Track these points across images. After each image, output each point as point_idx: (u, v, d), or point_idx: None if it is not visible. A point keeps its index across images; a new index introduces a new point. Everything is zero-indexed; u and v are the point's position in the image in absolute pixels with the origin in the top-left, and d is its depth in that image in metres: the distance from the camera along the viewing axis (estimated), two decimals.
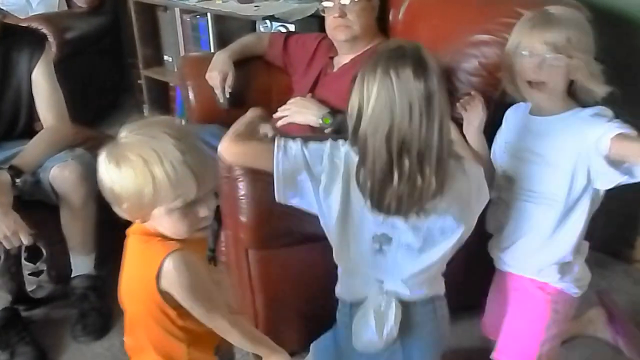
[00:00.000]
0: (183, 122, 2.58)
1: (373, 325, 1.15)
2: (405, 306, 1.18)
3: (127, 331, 1.08)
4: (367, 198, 1.09)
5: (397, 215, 1.10)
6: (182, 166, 0.90)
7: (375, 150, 1.04)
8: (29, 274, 1.65)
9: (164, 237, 0.98)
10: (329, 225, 1.19)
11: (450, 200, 1.11)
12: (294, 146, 1.14)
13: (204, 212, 0.96)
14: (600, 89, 1.22)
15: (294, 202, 1.18)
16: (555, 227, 1.29)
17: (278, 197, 1.17)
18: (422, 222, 1.12)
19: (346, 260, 1.21)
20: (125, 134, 0.93)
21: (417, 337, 1.21)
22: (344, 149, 1.14)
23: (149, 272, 0.95)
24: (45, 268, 1.65)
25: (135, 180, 0.90)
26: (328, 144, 1.15)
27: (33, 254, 1.57)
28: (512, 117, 1.39)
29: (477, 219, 1.21)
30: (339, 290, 1.27)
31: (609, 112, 1.24)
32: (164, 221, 0.95)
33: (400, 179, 1.04)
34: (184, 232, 0.97)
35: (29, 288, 1.67)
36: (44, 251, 1.59)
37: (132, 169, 0.90)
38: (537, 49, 1.20)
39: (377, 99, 1.03)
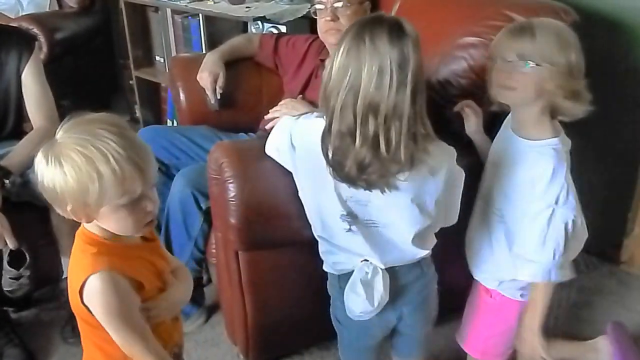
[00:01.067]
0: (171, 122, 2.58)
1: (363, 295, 1.15)
2: (392, 271, 1.18)
3: None
4: (329, 164, 1.08)
5: (359, 184, 1.08)
6: (126, 162, 0.88)
7: (338, 110, 1.03)
8: (10, 278, 1.62)
9: (102, 244, 0.96)
10: (303, 199, 1.23)
11: (417, 181, 1.09)
12: (288, 123, 1.22)
13: (150, 206, 0.94)
14: (577, 109, 1.20)
15: (276, 159, 1.27)
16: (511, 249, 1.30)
17: (267, 150, 1.29)
18: (385, 200, 1.10)
19: (325, 233, 1.22)
20: (63, 134, 0.90)
21: (407, 298, 1.22)
22: (309, 122, 1.15)
23: (76, 283, 0.93)
24: (28, 274, 1.62)
25: (80, 180, 0.87)
26: (300, 118, 1.20)
27: (16, 258, 1.54)
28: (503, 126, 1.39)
29: (447, 211, 1.20)
30: (325, 265, 1.27)
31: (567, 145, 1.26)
32: (111, 219, 0.92)
33: (362, 141, 1.03)
34: (131, 229, 0.95)
35: (6, 288, 1.64)
36: (27, 257, 1.57)
37: (76, 168, 0.87)
38: (505, 55, 1.22)
39: (343, 59, 1.02)
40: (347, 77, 1.02)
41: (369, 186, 1.08)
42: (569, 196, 1.20)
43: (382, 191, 1.09)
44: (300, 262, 1.44)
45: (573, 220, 1.21)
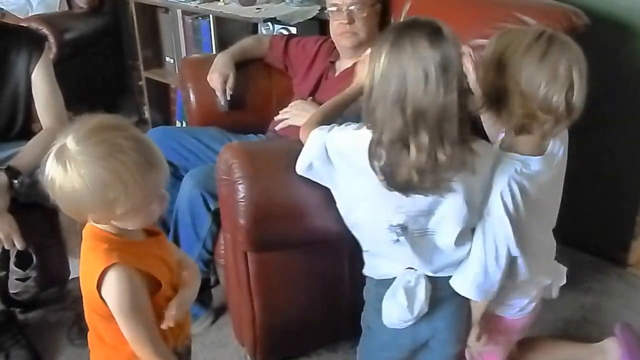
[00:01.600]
0: (183, 124, 2.56)
1: (404, 303, 1.12)
2: (433, 282, 1.16)
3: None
4: (380, 175, 1.03)
5: (416, 191, 1.03)
6: (147, 167, 0.89)
7: (387, 120, 0.99)
8: (16, 279, 1.61)
9: (113, 240, 0.95)
10: (344, 212, 1.19)
11: (467, 181, 1.06)
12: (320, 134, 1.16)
13: (165, 200, 0.97)
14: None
15: (310, 176, 1.21)
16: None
17: (299, 170, 1.22)
18: (436, 205, 1.08)
19: (368, 245, 1.20)
20: (79, 144, 0.88)
21: (443, 312, 1.19)
22: (349, 134, 1.11)
23: (92, 279, 0.93)
24: (34, 276, 1.61)
25: (107, 193, 0.87)
26: (333, 130, 1.15)
27: (23, 260, 1.52)
28: None
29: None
30: (366, 268, 1.24)
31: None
32: (132, 219, 0.94)
33: (418, 150, 0.99)
34: (147, 222, 0.97)
35: (13, 290, 1.63)
36: (34, 258, 1.55)
37: (102, 182, 0.87)
38: None
39: (386, 67, 0.99)
40: (392, 86, 0.98)
41: (425, 192, 1.04)
42: (509, 223, 1.10)
43: (441, 196, 1.05)
44: (309, 263, 1.43)
45: (509, 253, 1.12)
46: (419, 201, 1.07)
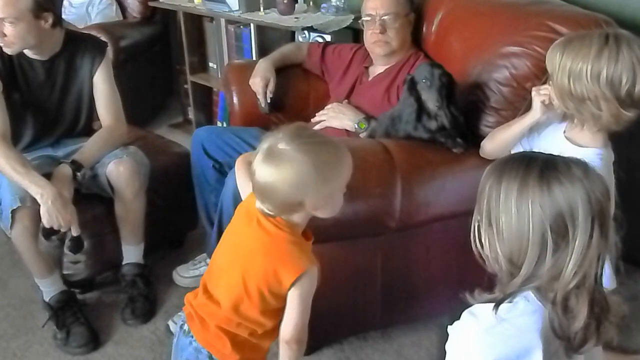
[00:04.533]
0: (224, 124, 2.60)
1: None
2: None
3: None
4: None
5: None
6: (345, 150, 1.04)
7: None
8: (69, 262, 1.67)
9: (294, 233, 1.05)
10: None
11: None
12: None
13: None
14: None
15: None
16: None
17: None
18: None
19: None
20: (290, 144, 0.99)
21: None
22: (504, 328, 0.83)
23: (287, 274, 1.02)
24: (83, 259, 1.67)
25: (327, 165, 1.00)
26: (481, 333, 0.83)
27: (76, 245, 1.58)
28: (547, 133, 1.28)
29: None
30: None
31: None
32: (334, 203, 1.04)
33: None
34: (338, 209, 1.07)
35: (65, 271, 1.69)
36: (85, 244, 1.61)
37: (323, 156, 1.00)
38: None
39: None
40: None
41: None
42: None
43: None
44: (345, 256, 1.44)
45: None
46: None
